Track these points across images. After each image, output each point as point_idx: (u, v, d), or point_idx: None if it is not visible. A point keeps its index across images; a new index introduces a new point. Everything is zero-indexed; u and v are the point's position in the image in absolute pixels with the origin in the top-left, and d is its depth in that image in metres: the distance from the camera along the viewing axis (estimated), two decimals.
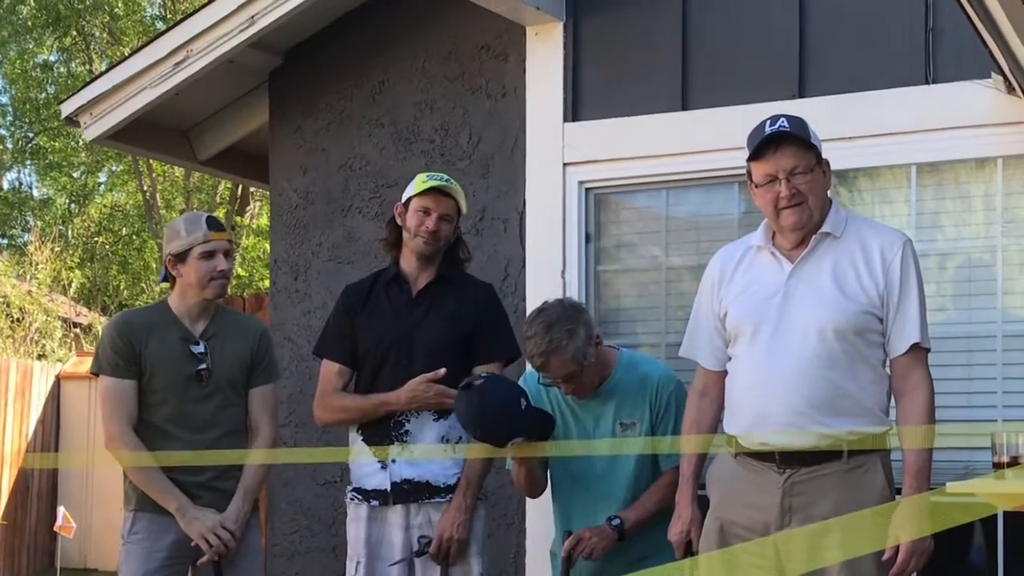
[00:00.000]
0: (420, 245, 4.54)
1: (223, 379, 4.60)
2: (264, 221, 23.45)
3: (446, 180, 4.58)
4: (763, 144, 3.76)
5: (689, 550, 4.05)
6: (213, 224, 4.63)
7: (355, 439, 4.64)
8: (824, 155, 3.85)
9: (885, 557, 3.64)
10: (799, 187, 3.74)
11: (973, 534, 4.99)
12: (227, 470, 4.61)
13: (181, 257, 4.58)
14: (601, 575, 4.32)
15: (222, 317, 4.73)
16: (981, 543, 4.98)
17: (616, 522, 4.27)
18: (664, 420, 4.35)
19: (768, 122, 3.79)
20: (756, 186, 3.83)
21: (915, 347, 3.74)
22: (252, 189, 22.05)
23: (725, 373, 4.00)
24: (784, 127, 3.74)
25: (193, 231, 4.57)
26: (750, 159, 3.82)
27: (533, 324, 4.22)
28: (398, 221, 4.63)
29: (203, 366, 4.57)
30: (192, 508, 4.49)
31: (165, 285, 4.79)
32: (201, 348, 4.59)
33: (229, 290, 4.83)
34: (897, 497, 3.75)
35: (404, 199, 4.60)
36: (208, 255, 4.55)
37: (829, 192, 3.91)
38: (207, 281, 4.56)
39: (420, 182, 4.57)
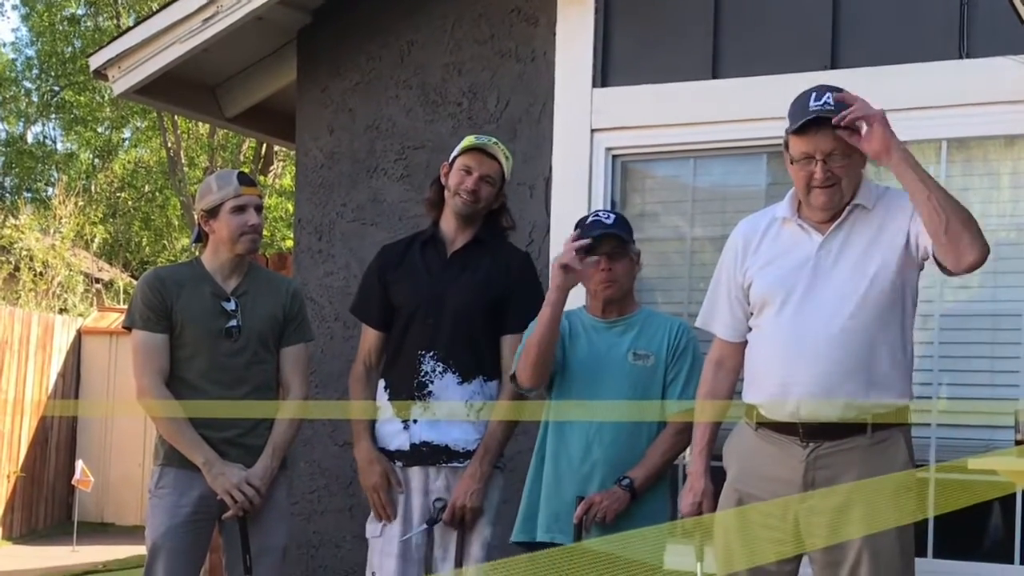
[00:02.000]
0: (459, 204, 4.54)
1: (253, 336, 4.62)
2: (287, 181, 23.47)
3: (492, 141, 4.59)
4: (806, 123, 3.71)
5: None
6: (244, 179, 4.65)
7: (382, 395, 4.66)
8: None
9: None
10: (834, 170, 3.70)
11: (992, 511, 4.97)
12: (255, 427, 4.63)
13: (213, 213, 4.62)
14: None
15: (254, 275, 4.75)
16: (1000, 521, 4.97)
17: (626, 482, 4.24)
18: (679, 362, 4.34)
19: (813, 96, 3.71)
20: (792, 161, 3.79)
21: None
22: (276, 149, 22.07)
23: (742, 345, 3.98)
24: (829, 107, 3.67)
25: (224, 186, 4.61)
26: (789, 131, 3.78)
27: None
28: (442, 180, 4.62)
29: (234, 322, 4.60)
30: (219, 463, 4.51)
31: (187, 242, 4.82)
32: (232, 304, 4.62)
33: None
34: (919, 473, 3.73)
35: (451, 158, 4.60)
36: (239, 209, 4.58)
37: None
38: (238, 236, 4.59)
39: (466, 141, 4.58)
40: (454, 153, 4.62)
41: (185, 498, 4.54)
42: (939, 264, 3.68)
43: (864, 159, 3.78)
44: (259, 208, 4.67)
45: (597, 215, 4.50)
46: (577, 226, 4.49)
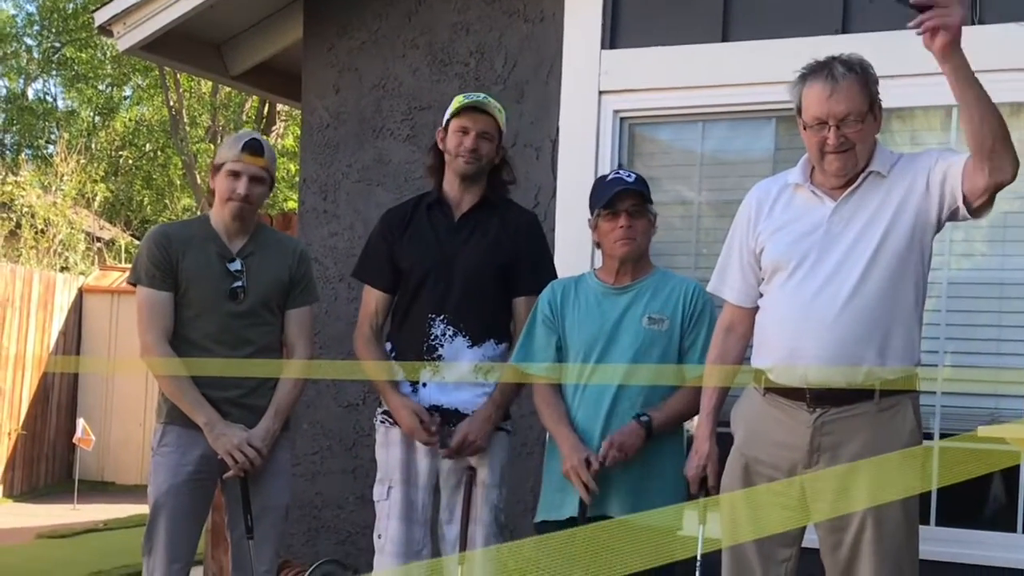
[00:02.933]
0: (461, 165, 4.51)
1: (258, 298, 4.60)
2: (289, 142, 23.40)
3: (483, 98, 4.55)
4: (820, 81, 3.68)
5: (704, 486, 4.04)
6: (250, 147, 4.59)
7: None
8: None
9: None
10: (848, 135, 3.67)
11: (995, 480, 4.97)
12: (258, 387, 4.62)
13: (216, 169, 4.62)
14: (609, 486, 4.23)
15: (261, 236, 4.72)
16: (1002, 489, 4.97)
17: (645, 419, 4.20)
18: (696, 326, 4.30)
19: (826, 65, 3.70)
20: (805, 127, 3.76)
21: None
22: (279, 109, 21.99)
23: (752, 311, 3.97)
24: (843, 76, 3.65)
25: (231, 148, 4.59)
26: (796, 84, 3.76)
27: None
28: (440, 146, 4.59)
29: (239, 283, 4.58)
30: (220, 423, 4.50)
31: (188, 202, 4.80)
32: (237, 265, 4.60)
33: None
34: (926, 442, 3.72)
35: (444, 122, 4.57)
36: (233, 175, 4.56)
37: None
38: (225, 200, 4.58)
39: (456, 102, 4.55)
40: (447, 116, 4.58)
41: (187, 457, 4.54)
42: (966, 201, 3.62)
43: (877, 120, 3.76)
44: (257, 179, 4.59)
45: (618, 173, 4.48)
46: (596, 184, 4.48)
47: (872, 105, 3.72)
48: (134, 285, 4.64)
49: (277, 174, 5.73)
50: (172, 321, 4.55)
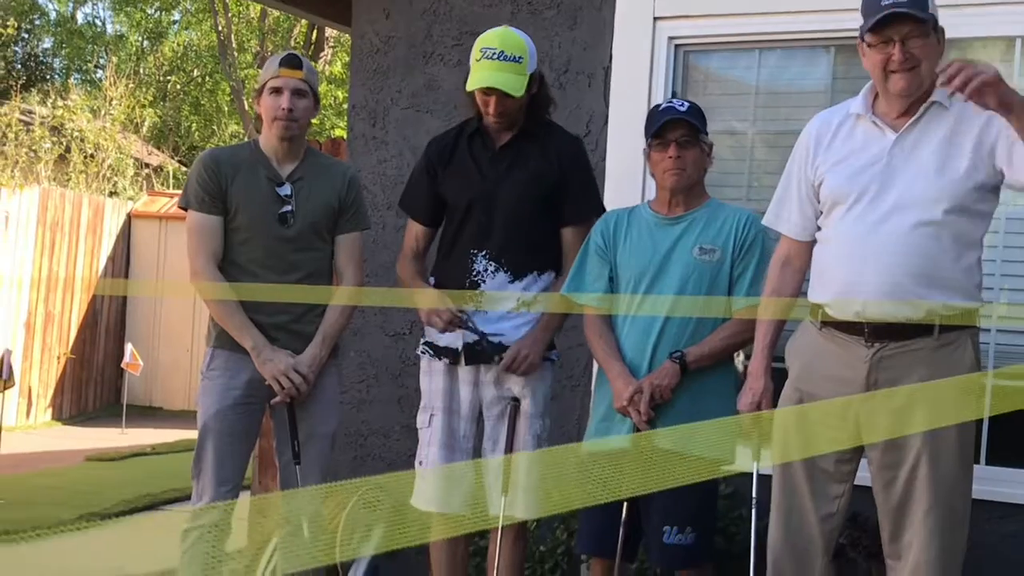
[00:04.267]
0: (491, 123, 4.46)
1: (307, 223, 4.57)
2: (337, 68, 23.32)
3: (498, 56, 4.38)
4: (879, 21, 3.58)
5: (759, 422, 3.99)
6: (287, 60, 4.56)
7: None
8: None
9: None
10: (913, 51, 3.58)
11: None
12: (305, 313, 4.60)
13: (260, 92, 4.60)
14: (657, 421, 4.20)
15: (311, 160, 4.68)
16: None
17: (677, 355, 4.18)
18: (746, 257, 4.24)
19: None
20: (868, 45, 3.66)
21: None
22: (327, 35, 21.88)
23: (810, 244, 3.90)
24: (901, 3, 3.55)
25: (269, 67, 4.57)
26: (867, 28, 3.64)
27: None
28: None
29: (288, 208, 4.56)
30: (267, 349, 4.49)
31: (236, 128, 4.77)
32: (287, 190, 4.57)
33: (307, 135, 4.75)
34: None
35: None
36: (275, 91, 4.53)
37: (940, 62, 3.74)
38: (271, 119, 4.55)
39: (473, 65, 4.43)
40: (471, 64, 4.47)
41: (235, 380, 4.54)
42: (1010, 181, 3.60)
43: (940, 44, 3.66)
44: (299, 92, 4.55)
45: (671, 102, 4.40)
46: (650, 112, 4.42)
47: (935, 25, 3.63)
48: (185, 209, 4.63)
49: (325, 101, 5.66)
50: (221, 245, 4.54)
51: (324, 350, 4.59)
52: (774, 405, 3.94)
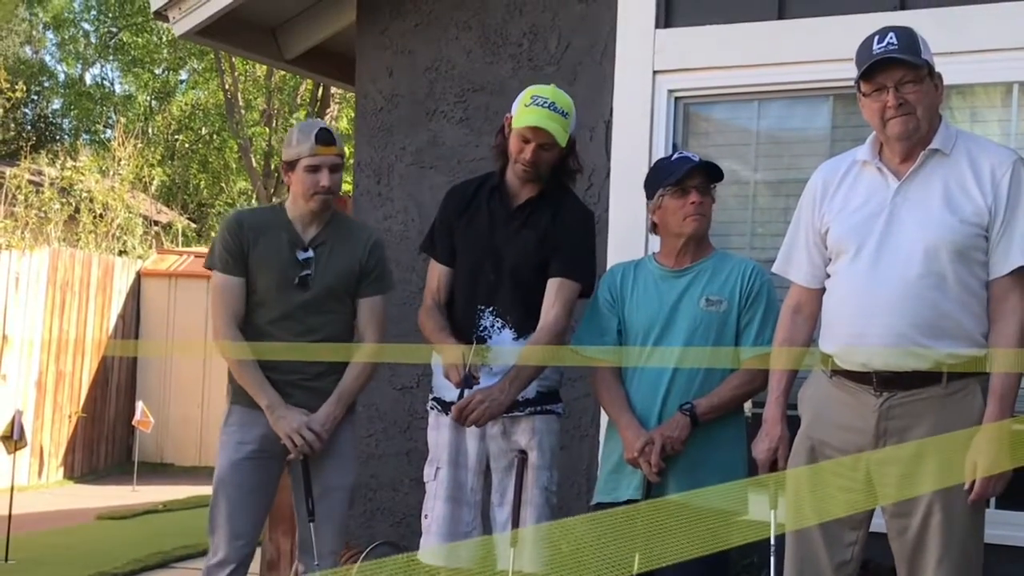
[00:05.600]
0: (519, 171, 4.47)
1: (325, 287, 4.64)
2: (343, 124, 23.43)
3: (548, 106, 4.41)
4: (870, 67, 3.64)
5: (774, 469, 3.98)
6: (322, 138, 4.62)
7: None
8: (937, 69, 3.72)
9: (965, 487, 3.57)
10: (907, 96, 3.63)
11: None
12: (322, 373, 4.66)
13: (291, 165, 4.66)
14: (668, 474, 4.19)
15: (336, 224, 4.75)
16: None
17: (687, 406, 4.17)
18: (753, 307, 4.25)
19: (876, 39, 3.65)
20: (864, 95, 3.71)
21: (1018, 270, 3.62)
22: (333, 91, 22.01)
23: (820, 291, 3.92)
24: (893, 47, 3.61)
25: (303, 142, 4.62)
26: (858, 78, 3.70)
27: None
28: (505, 131, 4.54)
29: (307, 272, 4.63)
30: (281, 407, 4.56)
31: (244, 185, 4.84)
32: (308, 254, 4.65)
33: None
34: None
35: (512, 114, 4.51)
36: (313, 168, 4.60)
37: (940, 109, 3.78)
38: (311, 195, 4.62)
39: (522, 108, 4.44)
40: (513, 113, 4.49)
41: (248, 435, 4.62)
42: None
43: (938, 90, 3.72)
44: (335, 167, 4.64)
45: (682, 153, 4.45)
46: (658, 164, 4.47)
47: (930, 72, 3.68)
48: (210, 269, 4.73)
49: None
50: (243, 306, 4.65)
51: (339, 409, 4.64)
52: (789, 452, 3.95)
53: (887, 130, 3.68)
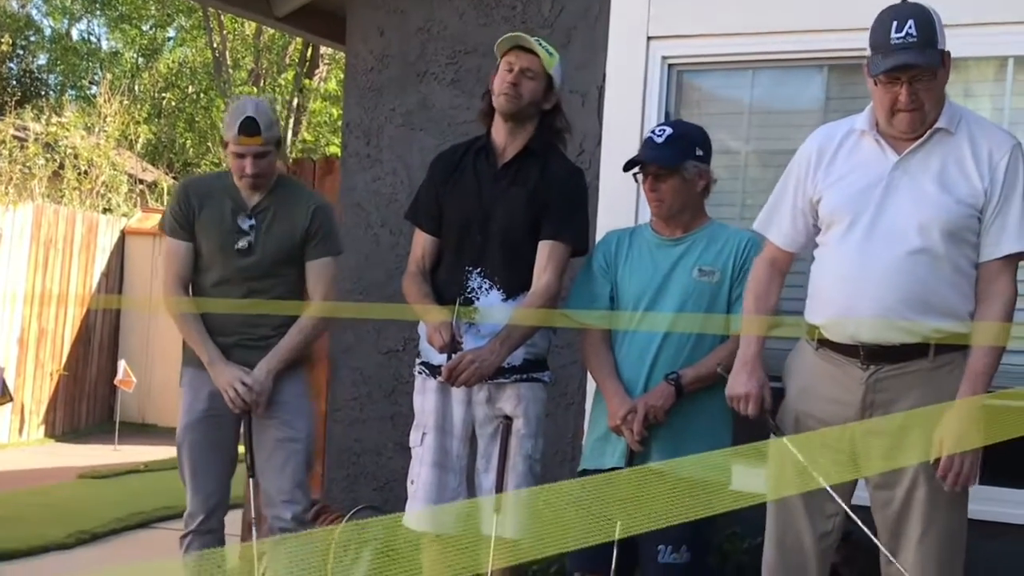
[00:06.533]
0: (502, 103, 4.44)
1: (268, 253, 4.78)
2: (332, 85, 23.34)
3: (536, 41, 4.49)
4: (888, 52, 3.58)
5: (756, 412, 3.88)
6: (244, 128, 4.71)
7: None
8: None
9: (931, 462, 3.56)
10: (920, 92, 3.58)
11: None
12: (265, 336, 4.79)
13: (224, 144, 4.83)
14: (652, 442, 4.21)
15: (281, 190, 4.89)
16: None
17: (673, 376, 4.18)
18: (745, 279, 4.19)
19: (895, 24, 3.56)
20: (875, 82, 3.65)
21: (1009, 255, 3.62)
22: (322, 52, 21.91)
23: (793, 254, 3.94)
24: (912, 39, 3.53)
25: (230, 128, 4.75)
26: (874, 73, 3.63)
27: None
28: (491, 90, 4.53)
29: (247, 238, 4.77)
30: (220, 362, 4.73)
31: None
32: (250, 221, 4.79)
33: (297, 153, 4.82)
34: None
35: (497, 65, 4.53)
36: (239, 155, 4.73)
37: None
38: (239, 177, 4.78)
39: (501, 41, 4.50)
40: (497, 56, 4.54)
41: (199, 395, 4.79)
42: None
43: (946, 72, 3.67)
44: (261, 155, 4.73)
45: (652, 132, 4.42)
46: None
47: (943, 58, 3.63)
48: (162, 232, 4.96)
49: (319, 119, 5.70)
50: (189, 269, 4.85)
51: (276, 363, 4.75)
52: (770, 396, 3.86)
53: (894, 121, 3.65)
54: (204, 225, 4.79)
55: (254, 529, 4.70)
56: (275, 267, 4.79)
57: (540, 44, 4.49)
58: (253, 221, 4.79)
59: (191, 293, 4.86)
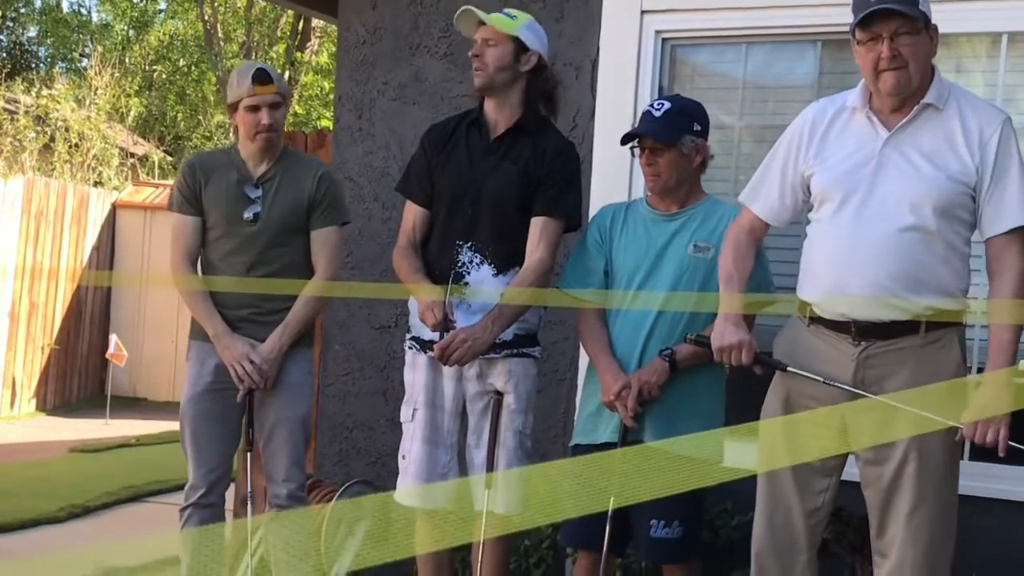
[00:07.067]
0: (474, 81, 4.47)
1: (275, 221, 4.77)
2: (324, 58, 23.26)
3: (474, 9, 4.48)
4: (868, 16, 3.57)
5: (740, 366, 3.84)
6: (259, 77, 4.75)
7: None
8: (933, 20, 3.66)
9: (959, 436, 3.56)
10: (901, 49, 3.57)
11: None
12: (272, 307, 4.78)
13: (235, 107, 4.82)
14: (646, 416, 4.21)
15: (285, 160, 4.88)
16: None
17: (667, 352, 4.18)
18: None
19: None
20: (858, 43, 3.65)
21: (1013, 229, 3.60)
22: (313, 25, 21.82)
23: (769, 227, 3.96)
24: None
25: (241, 83, 4.76)
26: (854, 25, 3.64)
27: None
28: None
29: (255, 208, 4.77)
30: (227, 336, 4.72)
31: (222, 118, 4.90)
32: (257, 191, 4.79)
33: (289, 127, 4.82)
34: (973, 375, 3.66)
35: None
36: (253, 108, 4.73)
37: (934, 60, 3.72)
38: (253, 134, 4.77)
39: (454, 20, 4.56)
40: None
41: (205, 367, 4.79)
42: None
43: (932, 42, 3.66)
44: (275, 105, 4.76)
45: (650, 106, 4.40)
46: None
47: (927, 23, 3.62)
48: (171, 211, 4.93)
49: (310, 92, 5.69)
50: (198, 244, 4.84)
51: (285, 339, 4.75)
52: (752, 354, 3.81)
53: (879, 82, 3.63)
54: (211, 197, 4.80)
55: (249, 504, 4.72)
56: (283, 235, 4.77)
57: (495, 13, 4.47)
58: (260, 191, 4.79)
59: (200, 266, 4.86)
